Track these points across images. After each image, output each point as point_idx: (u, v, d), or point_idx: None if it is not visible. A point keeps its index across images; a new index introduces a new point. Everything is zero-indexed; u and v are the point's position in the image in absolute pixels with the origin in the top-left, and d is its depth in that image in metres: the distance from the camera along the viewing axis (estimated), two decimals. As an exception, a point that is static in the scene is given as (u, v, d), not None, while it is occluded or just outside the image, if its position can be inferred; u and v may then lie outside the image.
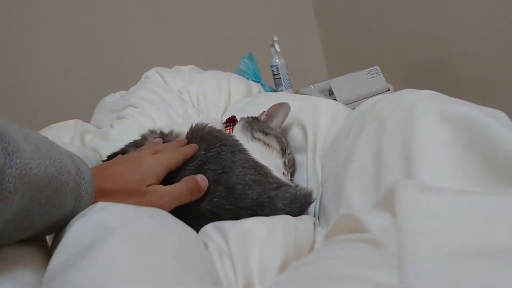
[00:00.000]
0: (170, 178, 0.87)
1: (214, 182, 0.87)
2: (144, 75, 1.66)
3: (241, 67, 2.49)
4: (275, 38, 2.46)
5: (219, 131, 1.02)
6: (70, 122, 1.43)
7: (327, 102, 1.18)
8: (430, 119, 0.71)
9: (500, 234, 0.42)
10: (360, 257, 0.49)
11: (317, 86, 2.61)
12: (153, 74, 1.62)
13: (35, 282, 0.55)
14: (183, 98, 1.46)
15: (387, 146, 0.77)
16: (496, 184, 0.58)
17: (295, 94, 1.29)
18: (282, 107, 1.16)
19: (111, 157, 1.02)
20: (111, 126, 1.38)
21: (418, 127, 0.71)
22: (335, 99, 2.39)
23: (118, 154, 1.01)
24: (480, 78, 2.18)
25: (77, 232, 0.56)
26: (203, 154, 0.92)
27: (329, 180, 0.95)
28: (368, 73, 2.56)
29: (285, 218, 0.82)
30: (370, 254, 0.49)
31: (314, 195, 0.97)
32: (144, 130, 1.27)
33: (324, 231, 0.87)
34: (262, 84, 2.53)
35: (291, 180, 1.09)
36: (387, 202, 0.59)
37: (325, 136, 1.09)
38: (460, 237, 0.42)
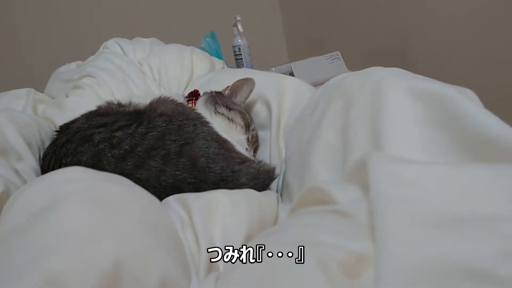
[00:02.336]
0: (128, 150, 0.83)
1: (176, 154, 0.84)
2: (103, 45, 1.59)
3: (202, 45, 2.43)
4: (238, 18, 2.41)
5: (181, 105, 0.98)
6: (23, 91, 1.35)
7: (292, 79, 1.17)
8: (399, 95, 0.70)
9: (473, 203, 0.42)
10: (330, 226, 0.48)
11: (279, 69, 2.57)
12: (112, 45, 1.56)
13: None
14: (143, 70, 1.41)
15: (354, 122, 0.76)
16: (465, 159, 0.58)
17: (259, 71, 1.27)
18: (247, 82, 1.13)
19: (63, 127, 0.97)
20: (66, 96, 1.31)
21: (387, 102, 0.71)
22: None
23: (70, 124, 0.96)
24: (438, 65, 2.22)
25: (30, 196, 0.52)
26: (163, 125, 0.88)
27: (292, 156, 0.94)
28: (329, 58, 2.56)
29: (249, 192, 0.80)
30: (340, 223, 0.48)
31: (277, 171, 0.96)
32: (100, 102, 1.22)
33: (286, 207, 0.86)
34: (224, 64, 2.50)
35: (254, 156, 1.07)
36: (356, 174, 0.58)
37: (289, 113, 1.08)
38: (436, 205, 0.42)
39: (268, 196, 0.84)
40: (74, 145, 0.87)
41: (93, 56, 1.52)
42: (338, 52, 2.52)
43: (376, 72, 0.82)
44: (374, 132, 0.70)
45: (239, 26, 2.42)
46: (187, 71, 1.42)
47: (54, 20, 2.44)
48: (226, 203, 0.70)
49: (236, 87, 1.14)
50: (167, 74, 1.41)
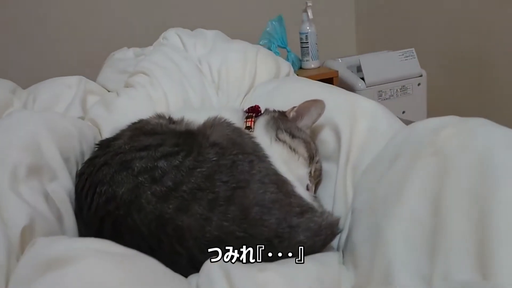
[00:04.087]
0: (171, 188, 0.72)
1: (226, 199, 0.71)
2: (162, 35, 1.46)
3: (268, 29, 2.29)
4: (309, 4, 2.25)
5: (238, 131, 0.85)
6: (74, 79, 1.26)
7: (369, 104, 1.00)
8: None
9: None
10: None
11: (345, 61, 2.43)
12: (172, 36, 1.42)
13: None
14: (202, 69, 1.28)
15: (451, 197, 0.61)
16: None
17: (331, 88, 1.10)
18: (316, 105, 0.98)
19: (103, 143, 0.87)
20: (117, 95, 1.21)
21: (500, 191, 0.55)
22: (363, 78, 2.26)
23: (112, 141, 0.86)
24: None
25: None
26: (214, 160, 0.76)
27: (363, 213, 0.79)
28: (403, 54, 2.36)
29: (307, 269, 0.67)
30: None
31: (341, 225, 0.82)
32: (152, 106, 1.11)
33: (350, 273, 0.73)
34: (287, 51, 2.35)
35: (315, 195, 0.93)
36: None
37: (362, 146, 0.92)
38: None
39: (330, 270, 0.70)
40: (112, 171, 0.76)
41: (151, 47, 1.40)
42: (413, 49, 2.34)
43: (483, 133, 0.65)
44: (479, 224, 0.54)
45: (309, 12, 2.27)
46: (249, 75, 1.28)
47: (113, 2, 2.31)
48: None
49: (303, 109, 0.99)
50: (228, 76, 1.27)
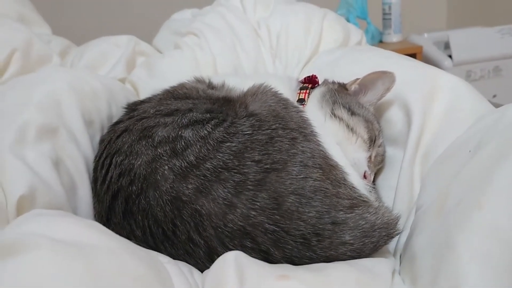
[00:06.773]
0: (193, 164, 0.60)
1: (256, 184, 0.58)
2: (224, -6, 1.33)
3: (350, -5, 2.13)
4: (395, -31, 2.06)
5: (285, 102, 0.71)
6: (124, 39, 1.17)
7: (450, 80, 0.81)
8: None
9: None
10: None
11: (432, 36, 2.22)
12: (233, -5, 1.28)
13: None
14: (260, 34, 1.14)
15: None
16: None
17: (406, 59, 0.91)
18: (383, 77, 0.82)
19: (131, 106, 0.77)
20: (163, 56, 1.10)
21: None
22: (450, 56, 2.05)
23: (140, 104, 0.75)
24: None
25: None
26: (248, 133, 0.63)
27: (430, 211, 0.62)
28: (499, 31, 2.14)
29: (344, 280, 0.53)
30: None
31: (401, 225, 0.66)
32: (198, 70, 1.00)
33: (405, 288, 0.58)
34: (367, 23, 2.17)
35: (373, 184, 0.78)
36: None
37: (437, 131, 0.76)
38: None
39: (376, 278, 0.55)
40: (132, 139, 0.66)
41: (210, 7, 1.27)
42: (511, 26, 2.10)
43: None
44: None
45: (395, -21, 2.07)
46: (312, 42, 1.11)
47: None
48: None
49: (368, 82, 0.83)
50: (287, 42, 1.12)
